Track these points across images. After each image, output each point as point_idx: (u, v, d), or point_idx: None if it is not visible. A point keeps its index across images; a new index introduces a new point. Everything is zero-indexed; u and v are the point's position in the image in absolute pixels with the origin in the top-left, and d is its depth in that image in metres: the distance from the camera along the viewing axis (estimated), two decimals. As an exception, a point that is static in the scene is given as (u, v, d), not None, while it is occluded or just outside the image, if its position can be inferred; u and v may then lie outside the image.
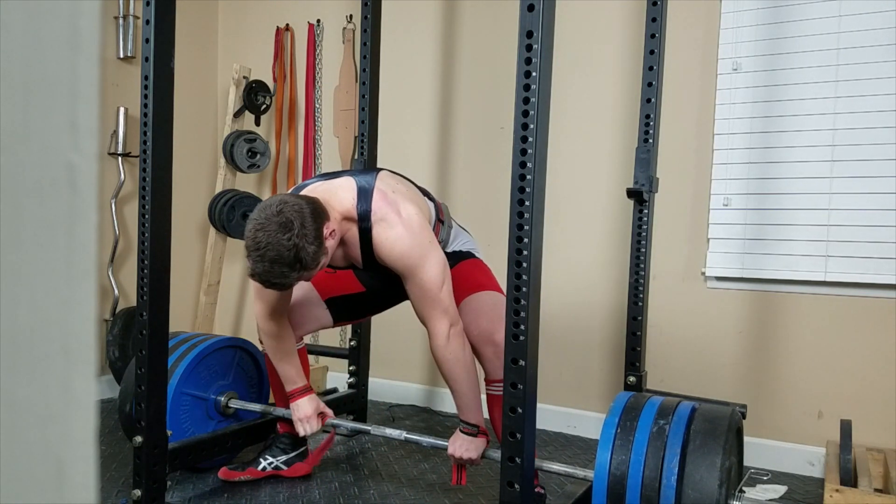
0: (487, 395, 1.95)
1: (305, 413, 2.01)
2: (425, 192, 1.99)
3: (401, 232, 1.73)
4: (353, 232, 1.79)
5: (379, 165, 2.55)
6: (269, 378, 2.23)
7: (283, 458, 2.16)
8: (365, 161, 2.59)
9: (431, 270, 1.73)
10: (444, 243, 1.98)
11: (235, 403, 2.22)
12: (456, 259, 2.01)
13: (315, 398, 2.06)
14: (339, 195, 1.78)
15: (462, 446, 1.79)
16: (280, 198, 1.66)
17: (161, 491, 1.86)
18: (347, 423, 2.11)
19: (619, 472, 1.47)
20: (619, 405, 1.59)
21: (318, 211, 1.67)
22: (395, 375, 3.11)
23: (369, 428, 2.05)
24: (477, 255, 2.07)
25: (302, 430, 2.02)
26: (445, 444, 1.84)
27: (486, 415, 1.94)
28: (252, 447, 2.27)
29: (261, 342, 2.16)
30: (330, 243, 1.70)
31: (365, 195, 1.77)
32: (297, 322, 2.09)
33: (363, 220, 1.76)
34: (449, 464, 2.19)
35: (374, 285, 2.13)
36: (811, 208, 2.35)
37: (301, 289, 2.10)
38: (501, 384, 1.85)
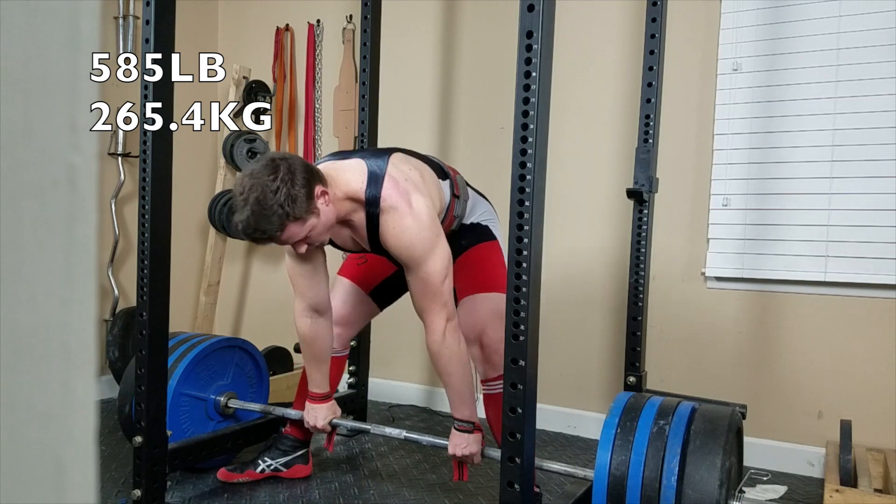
0: (483, 394, 1.95)
1: (318, 423, 2.02)
2: (439, 166, 1.95)
3: (409, 223, 1.72)
4: (361, 216, 1.77)
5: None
6: (303, 374, 2.22)
7: (283, 459, 2.16)
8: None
9: (435, 265, 1.73)
10: (459, 218, 1.96)
11: (235, 403, 2.22)
12: (472, 238, 1.99)
13: (333, 406, 2.06)
14: (345, 176, 1.76)
15: (460, 444, 1.79)
16: (273, 151, 1.67)
17: (161, 491, 1.86)
18: (347, 423, 2.11)
19: (619, 473, 1.47)
20: (618, 405, 1.59)
21: (310, 167, 1.66)
22: (395, 375, 3.11)
23: (369, 427, 2.05)
24: (493, 228, 2.03)
25: (311, 430, 2.06)
26: (445, 443, 1.84)
27: (481, 414, 1.94)
28: (252, 447, 2.27)
29: None
30: (322, 206, 1.67)
31: (375, 180, 1.74)
32: (350, 321, 2.12)
33: (371, 205, 1.75)
34: (448, 464, 2.20)
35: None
36: (811, 208, 2.35)
37: (347, 292, 2.12)
38: (495, 383, 1.85)
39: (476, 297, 1.90)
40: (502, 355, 1.73)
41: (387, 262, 2.10)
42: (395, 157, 1.81)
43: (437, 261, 1.73)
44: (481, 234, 2.01)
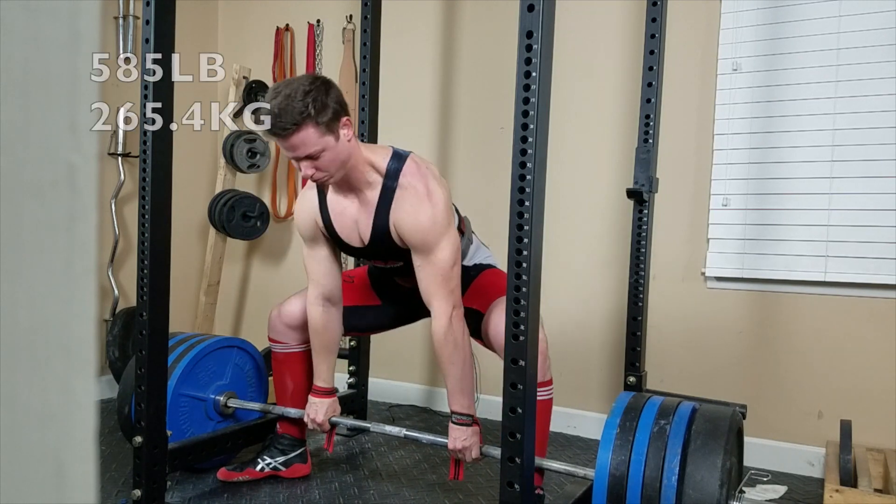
0: None
1: (317, 418, 2.03)
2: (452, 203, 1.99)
3: (426, 206, 1.73)
4: (376, 189, 1.78)
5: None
6: (273, 377, 2.23)
7: (282, 458, 2.16)
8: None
9: (446, 250, 1.74)
10: (462, 254, 1.98)
11: (234, 403, 2.22)
12: (479, 269, 2.02)
13: (335, 404, 2.06)
14: (371, 148, 1.82)
15: (459, 438, 1.79)
16: None
17: (161, 491, 1.86)
18: (347, 421, 2.11)
19: (620, 472, 1.47)
20: (620, 405, 1.59)
21: (345, 101, 1.73)
22: (395, 375, 3.11)
23: (369, 425, 2.05)
24: (496, 266, 2.08)
25: (310, 425, 2.05)
26: (445, 440, 1.84)
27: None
28: (252, 447, 2.27)
29: (273, 341, 2.16)
30: (343, 135, 1.70)
31: (398, 158, 1.79)
32: (304, 327, 2.10)
33: (390, 178, 1.77)
34: (448, 464, 2.20)
35: (389, 300, 2.14)
36: (811, 208, 2.35)
37: None
38: (541, 389, 1.76)
39: (504, 299, 1.89)
40: (546, 355, 1.73)
41: (370, 291, 2.12)
42: (417, 154, 1.87)
43: (448, 246, 1.74)
44: (485, 266, 2.05)
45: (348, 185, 1.81)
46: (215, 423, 2.22)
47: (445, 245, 1.74)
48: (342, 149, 1.70)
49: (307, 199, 1.91)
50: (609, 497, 1.47)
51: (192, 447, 2.00)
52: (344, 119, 1.70)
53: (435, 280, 1.75)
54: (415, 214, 1.73)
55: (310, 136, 1.64)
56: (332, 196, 1.86)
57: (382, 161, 1.78)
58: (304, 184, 3.27)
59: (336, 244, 1.94)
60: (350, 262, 2.73)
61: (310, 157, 1.68)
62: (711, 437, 1.45)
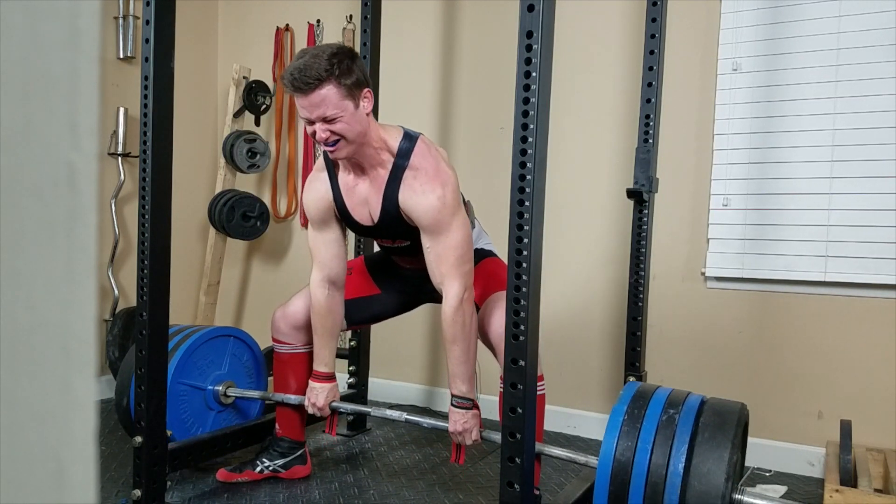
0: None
1: (318, 402, 2.04)
2: None
3: (436, 185, 1.74)
4: (386, 168, 1.79)
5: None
6: (274, 377, 2.22)
7: (281, 461, 2.15)
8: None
9: (458, 231, 1.75)
10: None
11: (233, 392, 2.22)
12: (479, 256, 2.02)
13: (335, 389, 2.07)
14: (383, 127, 1.83)
15: (459, 421, 1.81)
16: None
17: (161, 491, 1.86)
18: (348, 406, 2.11)
19: (625, 458, 1.46)
20: (628, 393, 1.59)
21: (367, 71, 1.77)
22: (395, 375, 3.11)
23: (369, 410, 2.06)
24: (496, 253, 2.08)
25: (310, 409, 2.06)
26: (445, 425, 1.85)
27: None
28: (252, 447, 2.27)
29: (277, 342, 2.16)
30: (363, 105, 1.71)
31: (409, 139, 1.81)
32: (309, 328, 2.10)
33: (401, 157, 1.78)
34: (448, 464, 2.20)
35: (389, 288, 2.14)
36: (811, 208, 2.35)
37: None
38: None
39: (502, 293, 1.89)
40: None
41: (370, 281, 2.12)
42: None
43: (459, 227, 1.75)
44: (486, 253, 2.06)
45: (360, 165, 1.82)
46: (215, 413, 2.22)
47: (457, 226, 1.74)
48: (360, 118, 1.71)
49: (319, 179, 1.92)
50: (612, 482, 1.46)
51: (193, 447, 2.01)
52: (366, 90, 1.72)
53: (447, 261, 1.75)
54: (424, 194, 1.74)
55: (331, 95, 1.66)
56: (342, 175, 1.88)
57: (394, 141, 1.79)
58: (304, 183, 3.27)
59: (346, 223, 1.94)
60: (349, 252, 2.73)
61: (326, 121, 1.68)
62: (720, 430, 1.45)
